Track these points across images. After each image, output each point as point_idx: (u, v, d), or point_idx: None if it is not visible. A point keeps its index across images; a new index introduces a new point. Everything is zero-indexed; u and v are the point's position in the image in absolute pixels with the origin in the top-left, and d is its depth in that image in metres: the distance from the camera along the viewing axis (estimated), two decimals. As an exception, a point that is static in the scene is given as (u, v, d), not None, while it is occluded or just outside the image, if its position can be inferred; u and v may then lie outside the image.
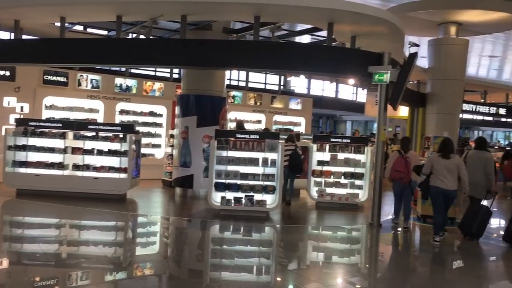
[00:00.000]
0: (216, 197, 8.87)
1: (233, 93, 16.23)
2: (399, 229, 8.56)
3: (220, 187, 8.81)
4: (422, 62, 15.74)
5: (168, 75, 15.86)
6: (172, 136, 11.85)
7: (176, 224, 8.65)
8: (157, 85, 13.99)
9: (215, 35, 10.80)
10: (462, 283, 5.92)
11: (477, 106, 20.63)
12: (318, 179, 10.40)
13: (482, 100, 25.01)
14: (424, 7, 12.73)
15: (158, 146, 13.61)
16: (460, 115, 15.53)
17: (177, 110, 11.25)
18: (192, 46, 8.99)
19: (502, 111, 22.04)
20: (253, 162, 8.83)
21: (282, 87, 25.62)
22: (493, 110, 21.35)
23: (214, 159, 8.77)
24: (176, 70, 16.25)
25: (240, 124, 12.14)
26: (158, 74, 19.44)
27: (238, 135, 8.99)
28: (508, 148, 13.51)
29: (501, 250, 7.43)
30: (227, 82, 12.85)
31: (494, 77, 24.82)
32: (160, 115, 13.67)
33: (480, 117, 27.20)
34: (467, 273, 6.44)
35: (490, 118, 27.74)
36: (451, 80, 14.01)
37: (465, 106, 18.99)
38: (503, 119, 28.19)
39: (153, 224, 8.78)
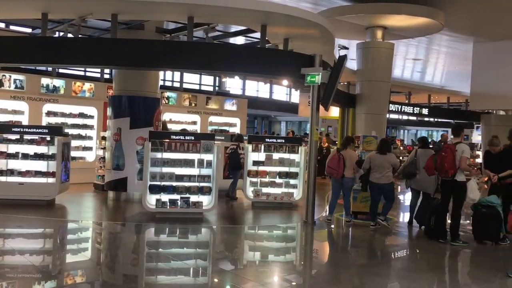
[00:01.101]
0: (151, 199, 8.71)
1: (167, 94, 16.00)
2: (332, 225, 8.87)
3: (155, 189, 8.66)
4: (352, 64, 16.36)
5: (98, 75, 15.32)
6: (104, 138, 11.48)
7: (109, 229, 8.39)
8: (87, 85, 13.48)
9: (147, 35, 10.60)
10: (394, 276, 6.23)
11: (402, 107, 21.72)
12: (254, 179, 10.51)
13: (407, 101, 26.43)
14: (352, 11, 13.25)
15: (89, 148, 13.12)
16: (387, 115, 16.32)
17: (109, 111, 10.91)
18: (125, 46, 8.77)
19: (425, 111, 23.37)
20: (189, 163, 8.76)
21: (217, 88, 25.64)
22: (416, 110, 22.58)
23: (148, 161, 8.60)
24: (107, 70, 15.76)
25: (163, 125, 12.12)
26: (88, 74, 18.75)
27: (173, 137, 8.89)
28: (430, 146, 14.34)
29: (431, 243, 7.87)
30: (161, 82, 12.65)
31: (417, 79, 26.30)
32: (91, 117, 13.19)
33: (405, 117, 28.74)
34: (399, 266, 6.79)
35: (414, 118, 29.41)
36: (378, 81, 14.68)
37: (392, 107, 19.94)
38: (426, 119, 29.99)
39: (84, 229, 8.46)
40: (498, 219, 7.50)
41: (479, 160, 17.28)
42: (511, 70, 16.33)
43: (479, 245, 7.57)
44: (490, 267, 6.63)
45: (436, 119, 29.63)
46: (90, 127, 13.17)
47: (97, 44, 9.64)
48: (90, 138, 13.15)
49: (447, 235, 7.60)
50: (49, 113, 12.57)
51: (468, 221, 8.66)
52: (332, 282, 5.82)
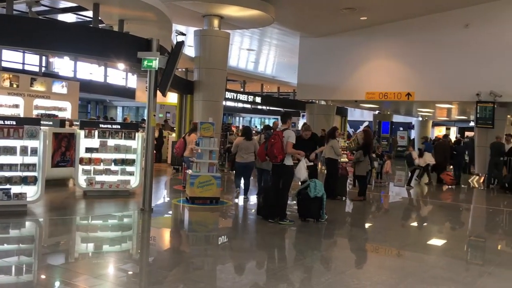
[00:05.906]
0: (-38, 193, 7.62)
1: (-18, 72, 14.10)
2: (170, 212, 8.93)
3: (-33, 181, 7.60)
4: (190, 51, 16.48)
5: None
6: None
7: None
8: None
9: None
10: (226, 256, 6.51)
11: (237, 95, 22.69)
12: (87, 167, 9.93)
13: (242, 89, 27.69)
14: (189, -3, 13.31)
15: None
16: (224, 103, 16.87)
17: None
18: None
19: (258, 99, 24.78)
20: (9, 151, 7.88)
21: (44, 69, 23.45)
22: (251, 98, 23.80)
23: (-43, 149, 7.49)
24: None
25: None
26: None
27: (-11, 121, 7.88)
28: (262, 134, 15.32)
29: (262, 223, 8.40)
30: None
31: (251, 69, 27.71)
32: None
33: (240, 105, 30.08)
34: (231, 247, 7.11)
35: (249, 106, 30.98)
36: (215, 69, 15.07)
37: (228, 94, 20.68)
38: (259, 107, 31.83)
39: None
40: (319, 199, 8.35)
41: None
42: (331, 64, 18.28)
43: (303, 223, 8.35)
44: (312, 241, 7.38)
45: (268, 107, 31.64)
46: None
47: None
48: None
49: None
50: None
51: (294, 202, 9.48)
52: (169, 268, 5.85)
